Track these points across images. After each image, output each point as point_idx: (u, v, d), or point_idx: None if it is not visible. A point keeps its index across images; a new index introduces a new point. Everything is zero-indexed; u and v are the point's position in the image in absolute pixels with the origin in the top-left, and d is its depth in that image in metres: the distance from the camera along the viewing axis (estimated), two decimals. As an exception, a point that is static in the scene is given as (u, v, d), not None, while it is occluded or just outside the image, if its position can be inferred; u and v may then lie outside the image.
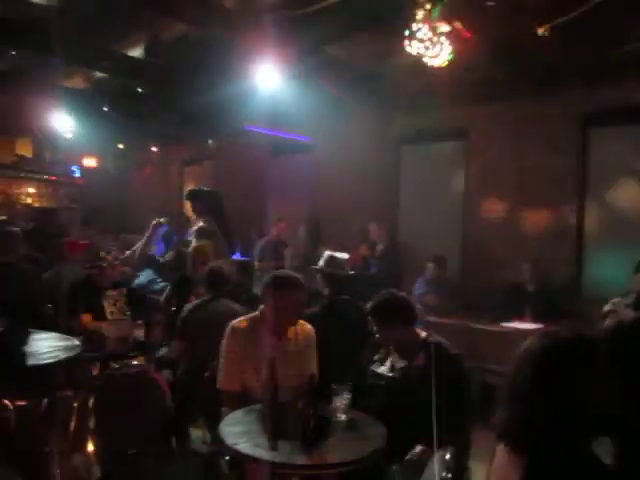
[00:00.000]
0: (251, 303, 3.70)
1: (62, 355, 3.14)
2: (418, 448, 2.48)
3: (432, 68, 4.08)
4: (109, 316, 4.29)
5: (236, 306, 3.81)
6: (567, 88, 5.66)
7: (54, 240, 5.95)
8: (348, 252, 4.39)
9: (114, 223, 9.81)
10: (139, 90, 7.00)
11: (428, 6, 3.86)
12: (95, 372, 3.81)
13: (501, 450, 1.49)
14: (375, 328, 2.90)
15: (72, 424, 3.22)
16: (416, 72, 4.67)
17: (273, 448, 2.20)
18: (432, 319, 4.94)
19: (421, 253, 6.54)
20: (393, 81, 6.02)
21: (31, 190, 11.16)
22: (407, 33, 3.87)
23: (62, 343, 3.38)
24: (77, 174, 11.43)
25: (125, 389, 2.91)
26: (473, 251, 6.62)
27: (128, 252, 5.57)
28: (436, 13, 3.81)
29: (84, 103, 7.42)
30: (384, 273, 6.18)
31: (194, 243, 5.22)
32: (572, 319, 4.44)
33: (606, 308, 1.56)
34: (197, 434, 3.76)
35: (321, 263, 3.89)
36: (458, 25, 3.98)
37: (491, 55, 5.12)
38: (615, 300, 1.52)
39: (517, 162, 6.27)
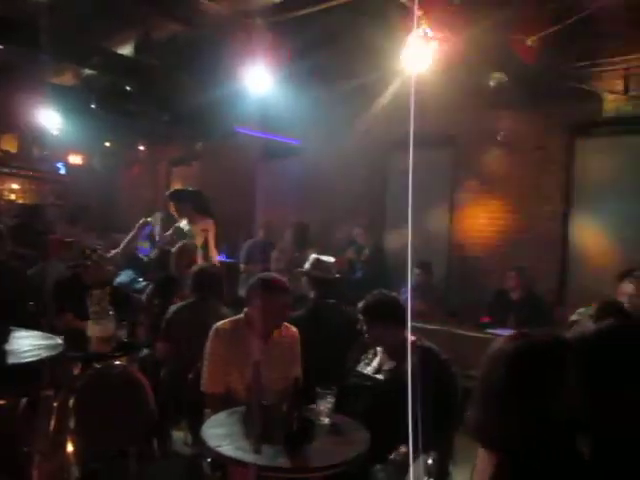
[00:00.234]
0: (236, 305, 3.68)
1: (44, 354, 3.10)
2: (402, 449, 2.48)
3: (421, 75, 4.11)
4: (92, 315, 4.25)
5: (224, 309, 3.77)
6: (554, 98, 5.73)
7: (39, 237, 5.89)
8: (334, 256, 4.39)
9: (100, 221, 9.74)
10: (128, 88, 6.96)
11: (418, 13, 3.90)
12: (76, 372, 3.77)
13: (482, 452, 1.50)
14: (365, 327, 2.90)
15: (52, 424, 3.18)
16: (406, 77, 4.70)
17: (256, 451, 2.19)
18: (417, 324, 4.96)
19: (407, 258, 6.55)
20: (382, 86, 6.06)
21: (15, 186, 11.04)
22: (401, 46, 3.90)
23: (44, 342, 3.33)
24: (63, 171, 11.31)
25: (107, 389, 2.88)
26: (459, 258, 6.66)
27: (113, 251, 5.53)
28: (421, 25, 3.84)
29: (72, 100, 7.36)
30: (370, 277, 6.19)
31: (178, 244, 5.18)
32: (555, 327, 4.49)
33: (572, 318, 1.58)
34: (179, 436, 3.73)
35: (307, 266, 3.89)
36: (444, 32, 4.01)
37: (480, 64, 5.17)
38: (581, 310, 1.54)
39: (503, 170, 6.32)
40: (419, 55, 3.91)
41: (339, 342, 3.21)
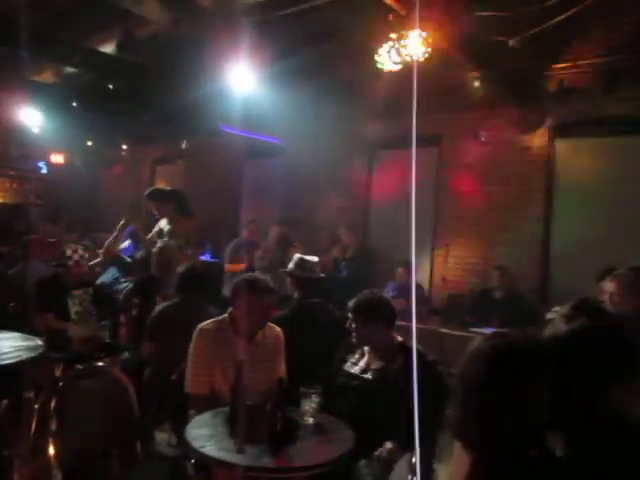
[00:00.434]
0: (221, 305, 3.66)
1: (24, 355, 3.06)
2: (388, 445, 2.49)
3: (405, 74, 4.13)
4: (74, 316, 4.21)
5: (210, 309, 3.73)
6: (538, 99, 5.79)
7: (20, 237, 5.81)
8: (319, 255, 4.39)
9: (82, 221, 9.63)
10: (110, 87, 6.90)
11: (402, 13, 3.92)
12: (58, 373, 3.72)
13: (458, 448, 1.52)
14: (354, 326, 2.89)
15: (33, 426, 3.14)
16: (389, 77, 4.71)
17: (240, 451, 2.18)
18: (400, 323, 4.97)
19: (391, 257, 6.59)
20: (366, 85, 6.07)
21: (-6, 185, 10.88)
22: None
23: (24, 343, 3.30)
24: (44, 170, 11.17)
25: (88, 391, 2.85)
26: (442, 256, 6.69)
27: (99, 255, 5.48)
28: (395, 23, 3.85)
29: (53, 98, 7.27)
30: (354, 276, 6.20)
31: (159, 244, 5.14)
32: (538, 326, 4.53)
33: (548, 316, 1.58)
34: (163, 437, 3.70)
35: (291, 266, 3.88)
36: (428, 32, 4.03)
37: (463, 64, 5.20)
38: (556, 309, 1.54)
39: (487, 170, 6.37)
40: (402, 54, 3.92)
41: (324, 342, 3.21)
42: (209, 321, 3.00)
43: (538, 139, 6.02)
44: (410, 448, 2.40)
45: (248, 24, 4.89)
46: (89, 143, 10.17)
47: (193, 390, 2.84)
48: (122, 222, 5.40)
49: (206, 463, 2.33)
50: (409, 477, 2.38)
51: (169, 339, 3.50)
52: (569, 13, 4.22)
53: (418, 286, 6.16)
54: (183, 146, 9.40)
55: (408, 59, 4.00)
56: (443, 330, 5.05)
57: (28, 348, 3.20)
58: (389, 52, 3.96)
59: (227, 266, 6.75)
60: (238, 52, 5.04)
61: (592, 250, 5.61)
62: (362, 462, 2.53)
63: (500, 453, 1.40)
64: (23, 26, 4.77)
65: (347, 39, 5.21)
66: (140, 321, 4.15)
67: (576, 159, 5.92)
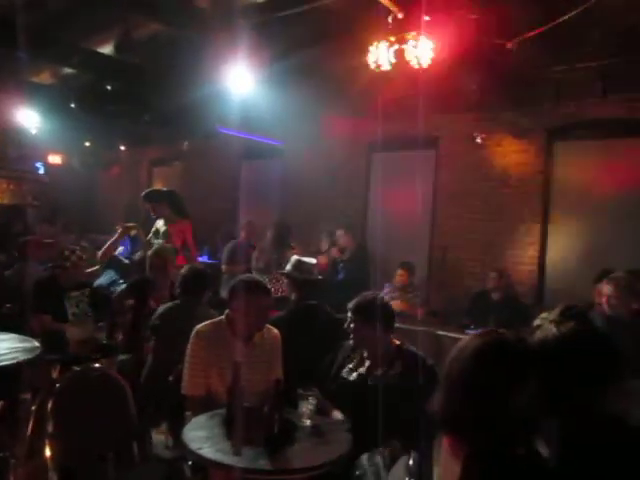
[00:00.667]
0: (218, 307, 3.65)
1: (21, 357, 3.06)
2: (390, 444, 2.50)
3: (404, 76, 4.14)
4: (71, 317, 4.20)
5: (211, 311, 3.70)
6: (535, 101, 5.80)
7: (17, 238, 5.80)
8: (316, 257, 4.39)
9: (79, 222, 9.62)
10: (108, 88, 6.89)
11: (399, 15, 3.92)
12: (55, 375, 3.72)
13: (446, 443, 1.55)
14: (352, 326, 2.87)
15: (29, 428, 3.13)
16: (388, 79, 4.72)
17: (237, 453, 2.18)
18: (398, 325, 4.97)
19: (389, 259, 6.60)
20: (365, 88, 6.07)
21: (-9, 186, 10.86)
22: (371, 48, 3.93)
23: (21, 344, 3.29)
24: (41, 171, 11.15)
25: (86, 392, 2.84)
26: (440, 259, 6.70)
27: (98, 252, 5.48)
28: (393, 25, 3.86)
29: (51, 99, 7.26)
30: (352, 278, 6.20)
31: (155, 245, 5.14)
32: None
33: (536, 322, 1.59)
34: (160, 439, 3.70)
35: (289, 267, 3.87)
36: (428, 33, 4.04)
37: (461, 66, 5.21)
38: (544, 315, 1.56)
39: (484, 172, 6.38)
40: (400, 57, 3.93)
41: (321, 344, 3.20)
42: (206, 322, 3.00)
43: (535, 142, 6.03)
44: (408, 450, 2.41)
45: (246, 25, 4.90)
46: (87, 144, 10.17)
47: (190, 392, 2.83)
48: (121, 230, 5.39)
49: (203, 465, 2.33)
50: (406, 478, 2.38)
51: (169, 340, 3.49)
52: (566, 17, 4.24)
53: (416, 287, 6.16)
54: (184, 147, 9.40)
55: (413, 64, 4.01)
56: (440, 332, 5.05)
57: (25, 349, 3.19)
58: (387, 53, 3.96)
59: (224, 267, 6.74)
60: (236, 53, 5.05)
61: (589, 253, 5.62)
62: (365, 455, 2.53)
63: (487, 447, 1.43)
64: (21, 27, 4.77)
65: (345, 41, 5.21)
66: (134, 324, 4.15)
67: (573, 162, 5.93)
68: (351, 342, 2.95)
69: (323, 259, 6.34)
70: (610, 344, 1.59)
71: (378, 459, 2.48)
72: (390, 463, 2.48)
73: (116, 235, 5.37)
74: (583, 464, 1.43)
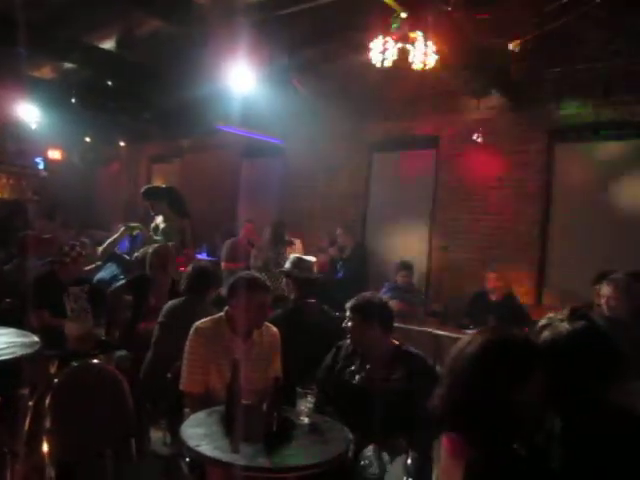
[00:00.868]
0: (218, 304, 3.64)
1: (19, 352, 3.05)
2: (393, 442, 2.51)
3: (405, 77, 4.13)
4: (70, 313, 4.20)
5: (214, 310, 3.67)
6: (535, 103, 5.80)
7: (16, 233, 5.79)
8: (316, 255, 4.39)
9: (78, 218, 9.61)
10: (109, 84, 6.88)
11: (403, 15, 3.91)
12: (53, 370, 3.71)
13: (446, 443, 1.55)
14: (350, 324, 2.85)
15: (27, 423, 3.13)
16: (389, 79, 4.72)
17: (235, 451, 2.18)
18: (397, 324, 4.97)
19: (388, 258, 6.60)
20: (366, 88, 6.08)
21: (-9, 181, 10.84)
22: (372, 44, 3.92)
23: (20, 339, 3.28)
24: (41, 166, 11.14)
25: (84, 388, 2.84)
26: (439, 258, 6.70)
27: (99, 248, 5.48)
28: (396, 24, 3.85)
29: (51, 94, 7.25)
30: (351, 277, 6.21)
31: (157, 242, 5.14)
32: (533, 328, 4.54)
33: (542, 322, 1.60)
34: (158, 435, 3.70)
35: (288, 265, 3.87)
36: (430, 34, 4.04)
37: (463, 67, 5.21)
38: (550, 315, 1.57)
39: (485, 172, 6.38)
40: (402, 56, 3.92)
41: (320, 342, 3.20)
42: (205, 319, 2.99)
43: (537, 142, 6.03)
44: (407, 449, 2.41)
45: (247, 23, 4.89)
46: (86, 140, 10.16)
47: (188, 388, 2.83)
48: (124, 229, 5.39)
49: (201, 462, 2.32)
50: (404, 478, 2.38)
51: (171, 336, 3.47)
52: (567, 18, 4.24)
53: (415, 286, 6.16)
54: (181, 144, 9.39)
55: (415, 64, 3.99)
56: (439, 332, 5.05)
57: (24, 344, 3.18)
58: (389, 49, 3.95)
59: (224, 265, 6.74)
60: (237, 51, 5.04)
61: (588, 254, 5.62)
62: (370, 447, 2.53)
63: (489, 447, 1.43)
64: (22, 22, 4.75)
65: (346, 39, 5.20)
66: (132, 320, 4.15)
67: (574, 163, 5.93)
68: (348, 341, 2.94)
69: (323, 257, 6.34)
70: (617, 343, 1.61)
71: (384, 454, 2.49)
72: (396, 452, 2.49)
73: (117, 234, 5.37)
74: (590, 461, 1.43)
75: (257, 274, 3.16)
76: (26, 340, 3.27)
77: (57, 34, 5.55)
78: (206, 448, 2.18)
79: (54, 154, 10.82)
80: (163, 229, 5.48)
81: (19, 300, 4.26)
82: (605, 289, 3.58)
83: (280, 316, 3.52)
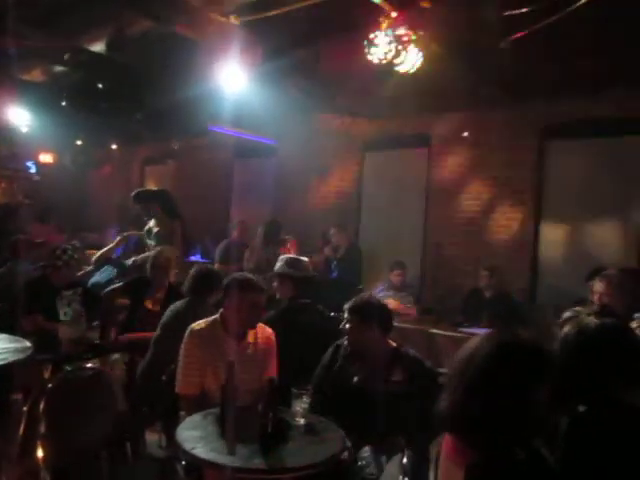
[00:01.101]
0: (220, 306, 3.61)
1: (11, 357, 3.03)
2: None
3: (397, 75, 4.13)
4: (63, 317, 4.18)
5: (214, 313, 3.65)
6: (527, 100, 5.82)
7: (9, 237, 5.75)
8: (310, 255, 4.38)
9: (71, 221, 9.57)
10: (100, 86, 6.85)
11: (393, 14, 3.91)
12: (47, 375, 3.69)
13: (447, 447, 1.54)
14: (348, 326, 2.82)
15: (21, 428, 3.11)
16: (380, 78, 4.72)
17: (231, 452, 2.17)
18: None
19: (382, 258, 6.60)
20: (358, 87, 6.06)
21: (-17, 185, 10.77)
22: (366, 42, 3.91)
23: (12, 345, 3.26)
24: (33, 169, 11.07)
25: (78, 392, 2.82)
26: (433, 257, 6.71)
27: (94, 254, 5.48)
28: (385, 24, 3.84)
29: (42, 97, 7.21)
30: (345, 277, 6.20)
31: (153, 247, 5.12)
32: (526, 325, 4.55)
33: (566, 315, 1.61)
34: (153, 438, 3.68)
35: (281, 264, 3.83)
36: (421, 33, 4.03)
37: (454, 65, 5.21)
38: (577, 308, 1.58)
39: (477, 171, 6.40)
40: (390, 55, 3.92)
41: (315, 342, 3.19)
42: (200, 321, 2.99)
43: (529, 140, 6.05)
44: (403, 449, 2.41)
45: (238, 23, 4.87)
46: (78, 142, 10.11)
47: (184, 391, 2.82)
48: (121, 238, 5.40)
49: (197, 465, 2.32)
50: (400, 477, 2.38)
51: (170, 338, 3.43)
52: (557, 17, 4.24)
53: (408, 286, 6.17)
54: (175, 146, 9.36)
55: (405, 67, 3.99)
56: (433, 330, 5.05)
57: (16, 350, 3.16)
58: (380, 49, 3.94)
59: (217, 266, 6.72)
60: (229, 51, 5.02)
61: (581, 250, 5.65)
62: (367, 447, 2.52)
63: (491, 450, 1.42)
64: (12, 24, 4.72)
65: (339, 39, 5.20)
66: (128, 323, 4.13)
67: (565, 160, 5.95)
68: (346, 342, 2.92)
69: (317, 257, 6.33)
70: None
71: (381, 455, 2.49)
72: (393, 450, 2.49)
73: (113, 243, 5.37)
74: (596, 458, 1.43)
75: (250, 275, 3.15)
76: (19, 345, 3.25)
77: (48, 35, 5.52)
78: (201, 450, 2.17)
79: (46, 157, 10.76)
80: (156, 233, 5.46)
81: (12, 304, 4.23)
82: (598, 285, 3.60)
83: (275, 316, 3.51)
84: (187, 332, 2.91)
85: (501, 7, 4.10)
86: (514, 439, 1.43)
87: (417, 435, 2.44)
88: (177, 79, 6.02)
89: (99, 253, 5.42)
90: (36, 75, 6.98)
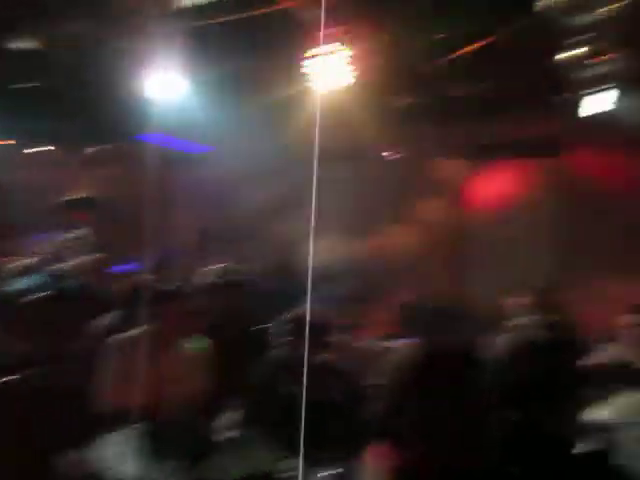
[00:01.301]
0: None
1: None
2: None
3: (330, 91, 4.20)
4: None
5: None
6: (462, 119, 6.03)
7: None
8: (242, 264, 4.38)
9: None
10: (33, 86, 6.60)
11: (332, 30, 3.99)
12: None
13: (373, 452, 1.57)
14: (282, 339, 2.86)
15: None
16: (314, 92, 4.78)
17: (158, 468, 2.13)
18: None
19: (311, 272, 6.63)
20: (296, 99, 6.11)
21: None
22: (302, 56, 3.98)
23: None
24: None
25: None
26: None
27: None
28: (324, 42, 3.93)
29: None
30: (276, 287, 6.19)
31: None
32: (456, 333, 4.68)
33: (514, 322, 1.66)
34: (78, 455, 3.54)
35: (216, 274, 3.82)
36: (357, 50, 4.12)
37: (393, 83, 5.34)
38: (519, 318, 1.64)
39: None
40: (329, 71, 3.99)
41: (246, 354, 3.18)
42: (129, 333, 2.92)
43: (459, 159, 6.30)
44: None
45: (179, 30, 4.83)
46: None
47: (110, 405, 2.74)
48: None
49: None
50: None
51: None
52: (495, 36, 4.39)
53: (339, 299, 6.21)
54: (107, 151, 9.11)
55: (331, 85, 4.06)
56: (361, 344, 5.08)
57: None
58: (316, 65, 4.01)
59: (148, 277, 6.57)
60: (168, 58, 4.97)
61: (507, 266, 5.91)
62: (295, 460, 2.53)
63: (414, 453, 1.45)
64: None
65: (278, 53, 5.22)
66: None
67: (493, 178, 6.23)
68: (280, 353, 2.92)
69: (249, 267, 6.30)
70: None
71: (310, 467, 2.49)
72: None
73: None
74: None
75: (181, 284, 3.13)
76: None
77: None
78: (127, 467, 2.13)
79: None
80: (89, 240, 5.32)
81: None
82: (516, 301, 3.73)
83: (209, 327, 3.47)
84: (114, 343, 2.84)
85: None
86: (438, 444, 1.46)
87: (347, 447, 2.46)
88: (113, 83, 5.89)
89: (23, 261, 5.19)
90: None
